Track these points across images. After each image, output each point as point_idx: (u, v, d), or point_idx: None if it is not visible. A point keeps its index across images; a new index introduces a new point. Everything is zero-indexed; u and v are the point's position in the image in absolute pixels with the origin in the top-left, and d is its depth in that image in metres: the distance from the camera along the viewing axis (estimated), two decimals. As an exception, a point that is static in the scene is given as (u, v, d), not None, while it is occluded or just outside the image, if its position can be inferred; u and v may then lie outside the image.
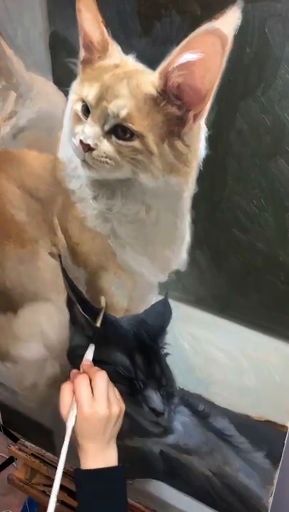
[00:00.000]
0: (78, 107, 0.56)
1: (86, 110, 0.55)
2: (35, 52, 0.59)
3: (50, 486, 0.69)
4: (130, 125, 0.52)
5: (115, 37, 0.52)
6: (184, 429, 0.73)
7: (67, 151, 0.61)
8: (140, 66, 0.51)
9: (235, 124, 0.49)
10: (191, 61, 0.47)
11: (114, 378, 0.64)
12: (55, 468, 0.61)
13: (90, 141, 0.55)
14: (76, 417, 0.60)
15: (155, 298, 0.65)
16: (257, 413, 0.64)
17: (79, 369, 0.67)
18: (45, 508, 0.59)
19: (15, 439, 1.05)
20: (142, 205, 0.59)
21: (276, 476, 0.67)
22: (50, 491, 0.71)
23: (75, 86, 0.58)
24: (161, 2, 0.47)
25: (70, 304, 0.76)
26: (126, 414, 0.64)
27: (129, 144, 0.53)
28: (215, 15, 0.44)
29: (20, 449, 1.04)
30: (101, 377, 0.62)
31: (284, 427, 0.62)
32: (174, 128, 0.52)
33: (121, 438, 0.64)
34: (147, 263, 0.64)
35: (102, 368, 0.64)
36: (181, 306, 0.63)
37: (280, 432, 0.63)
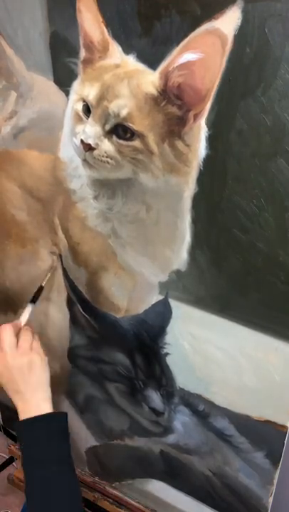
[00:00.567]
0: (79, 106, 0.56)
1: (87, 110, 0.55)
2: (36, 52, 0.60)
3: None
4: (131, 125, 0.52)
5: (116, 37, 0.52)
6: (184, 429, 0.73)
7: (68, 151, 0.61)
8: (140, 66, 0.52)
9: (235, 124, 0.49)
10: (192, 61, 0.47)
11: (115, 378, 0.64)
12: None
13: (90, 141, 0.55)
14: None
15: (155, 298, 0.65)
16: (257, 413, 0.64)
17: (79, 369, 0.67)
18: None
19: (15, 439, 1.05)
20: (143, 204, 0.59)
21: (276, 476, 0.67)
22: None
23: (75, 86, 0.58)
24: (161, 2, 0.47)
25: (70, 303, 0.76)
26: (126, 413, 0.64)
27: (130, 143, 0.54)
28: (215, 15, 0.44)
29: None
30: (26, 330, 0.69)
31: (284, 427, 0.62)
32: (175, 128, 0.52)
33: (120, 437, 0.64)
34: (148, 263, 0.64)
35: (103, 368, 0.64)
36: (182, 306, 0.63)
37: (280, 432, 0.63)
